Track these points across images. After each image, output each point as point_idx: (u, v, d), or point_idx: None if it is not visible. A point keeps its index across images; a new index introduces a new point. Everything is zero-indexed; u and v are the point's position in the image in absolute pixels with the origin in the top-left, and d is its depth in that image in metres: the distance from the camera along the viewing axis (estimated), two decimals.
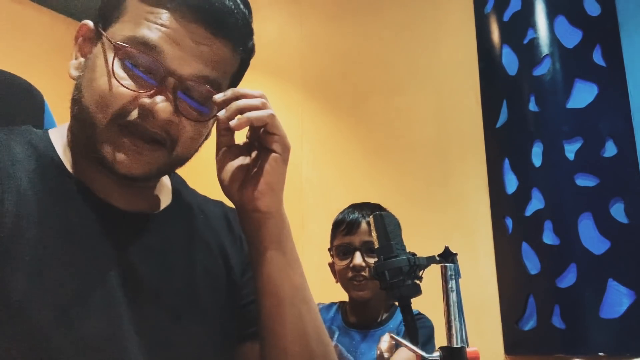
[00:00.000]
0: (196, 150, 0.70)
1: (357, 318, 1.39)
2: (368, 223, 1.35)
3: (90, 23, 0.69)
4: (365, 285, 1.33)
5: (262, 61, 2.94)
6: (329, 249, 1.45)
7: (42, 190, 0.64)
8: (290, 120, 2.78)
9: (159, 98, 0.62)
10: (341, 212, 1.44)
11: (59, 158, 0.68)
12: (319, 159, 2.69)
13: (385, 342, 1.27)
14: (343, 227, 1.39)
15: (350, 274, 1.35)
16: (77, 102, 0.65)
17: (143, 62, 0.63)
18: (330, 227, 1.45)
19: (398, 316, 1.36)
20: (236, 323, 0.77)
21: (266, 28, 3.03)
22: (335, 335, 1.37)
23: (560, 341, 1.82)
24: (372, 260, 1.32)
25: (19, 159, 0.64)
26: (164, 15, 0.63)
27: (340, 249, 1.39)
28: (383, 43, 2.62)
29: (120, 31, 0.64)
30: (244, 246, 0.81)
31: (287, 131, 0.70)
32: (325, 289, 1.68)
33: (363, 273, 1.33)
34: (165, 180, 0.78)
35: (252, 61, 0.75)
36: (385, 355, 1.25)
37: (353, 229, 1.37)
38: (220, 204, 0.84)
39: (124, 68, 0.63)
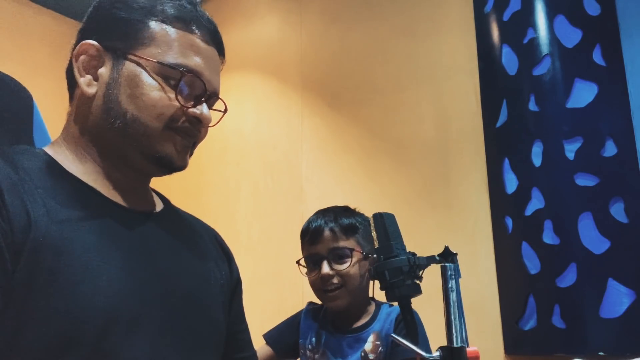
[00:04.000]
0: None
1: (340, 323, 1.34)
2: (332, 229, 1.30)
3: (94, 43, 0.77)
4: (337, 295, 1.28)
5: (262, 61, 2.97)
6: (297, 262, 1.37)
7: (64, 197, 0.70)
8: (290, 120, 2.78)
9: (204, 108, 0.79)
10: (307, 221, 1.38)
11: (65, 169, 0.75)
12: (319, 159, 2.69)
13: (370, 342, 1.26)
14: (307, 237, 1.33)
15: (320, 285, 1.30)
16: (120, 116, 0.74)
17: (189, 81, 0.77)
18: None
19: (382, 316, 1.31)
20: (227, 347, 0.87)
21: (266, 28, 3.03)
22: (323, 339, 1.33)
23: (560, 341, 1.81)
24: (341, 267, 1.28)
25: (30, 170, 0.69)
26: (197, 41, 0.78)
27: (309, 260, 1.34)
28: (383, 43, 2.62)
29: (161, 55, 0.76)
30: (232, 268, 0.92)
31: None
32: None
33: (334, 281, 1.28)
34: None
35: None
36: (370, 356, 1.24)
37: (317, 237, 1.31)
38: (204, 223, 0.95)
39: (170, 85, 0.76)
